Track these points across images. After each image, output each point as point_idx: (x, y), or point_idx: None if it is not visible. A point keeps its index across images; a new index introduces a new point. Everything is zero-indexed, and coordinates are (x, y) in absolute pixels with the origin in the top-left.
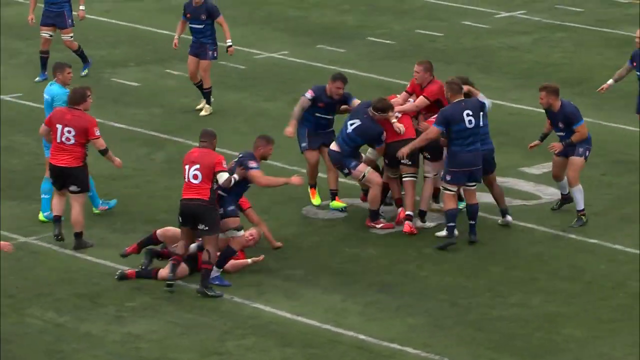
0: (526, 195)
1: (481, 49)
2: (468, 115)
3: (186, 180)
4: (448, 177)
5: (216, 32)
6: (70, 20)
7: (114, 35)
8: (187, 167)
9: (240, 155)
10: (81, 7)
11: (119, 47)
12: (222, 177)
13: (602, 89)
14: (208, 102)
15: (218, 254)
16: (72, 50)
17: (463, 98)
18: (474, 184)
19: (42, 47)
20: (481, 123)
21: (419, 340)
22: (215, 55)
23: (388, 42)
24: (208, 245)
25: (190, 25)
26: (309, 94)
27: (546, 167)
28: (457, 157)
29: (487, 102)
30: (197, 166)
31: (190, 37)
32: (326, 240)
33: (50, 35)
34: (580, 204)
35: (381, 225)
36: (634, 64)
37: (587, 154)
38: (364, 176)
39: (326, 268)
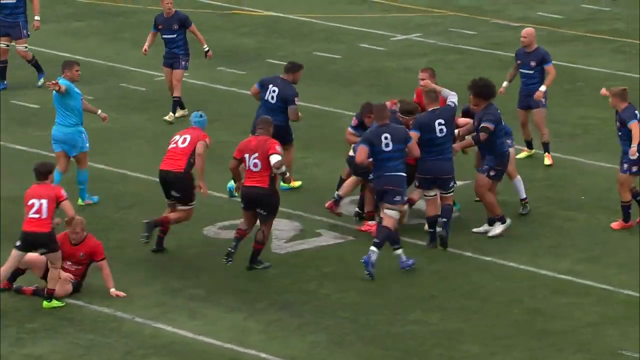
0: (423, 214)
1: (379, 71)
2: (440, 124)
3: (246, 168)
4: (416, 183)
5: (188, 43)
6: (25, 31)
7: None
8: (247, 156)
9: None
10: (36, 18)
11: (24, 69)
12: (273, 159)
13: (500, 92)
14: (173, 111)
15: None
16: (27, 60)
17: (438, 107)
18: (434, 193)
19: (0, 57)
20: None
21: (319, 358)
22: (187, 65)
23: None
24: (264, 227)
25: (163, 36)
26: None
27: None
28: (424, 164)
29: (454, 98)
30: (256, 155)
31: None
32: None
33: (7, 45)
34: (522, 193)
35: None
36: (518, 62)
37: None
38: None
39: (228, 287)
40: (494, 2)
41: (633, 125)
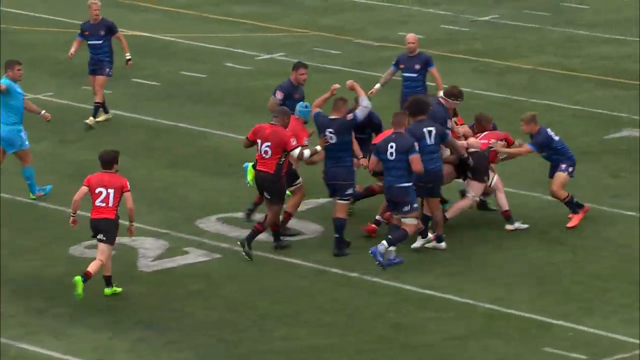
0: (290, 232)
1: (244, 90)
2: (330, 132)
3: (258, 153)
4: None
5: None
6: None
7: None
8: (259, 141)
9: None
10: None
11: None
12: (294, 153)
13: (371, 92)
14: (94, 115)
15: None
16: None
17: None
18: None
19: None
20: (429, 142)
21: None
22: (110, 73)
23: (153, 83)
24: (268, 211)
25: (89, 42)
26: (279, 95)
27: (309, 203)
28: (325, 170)
29: (360, 112)
30: (268, 144)
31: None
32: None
33: None
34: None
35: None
36: (401, 66)
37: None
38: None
39: (94, 306)
40: (356, 22)
41: (526, 147)
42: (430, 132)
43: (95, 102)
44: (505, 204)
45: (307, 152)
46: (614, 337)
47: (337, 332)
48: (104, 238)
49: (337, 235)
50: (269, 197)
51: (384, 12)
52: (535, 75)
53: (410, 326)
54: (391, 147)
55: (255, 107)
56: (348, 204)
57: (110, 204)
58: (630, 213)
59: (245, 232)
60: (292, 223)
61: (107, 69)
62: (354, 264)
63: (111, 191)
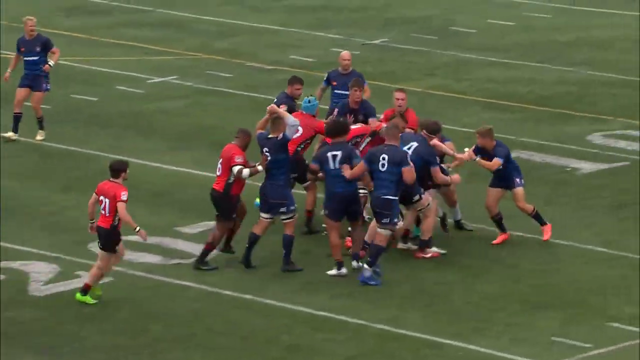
0: (183, 254)
1: (137, 113)
2: (266, 151)
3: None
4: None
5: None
6: None
7: None
8: (219, 160)
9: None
10: None
11: None
12: (234, 170)
13: None
14: (41, 128)
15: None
16: None
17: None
18: (267, 216)
19: None
20: (332, 166)
21: None
22: (48, 87)
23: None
24: (217, 228)
25: (25, 58)
26: (283, 107)
27: (201, 226)
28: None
29: (291, 121)
30: (220, 160)
31: None
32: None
33: None
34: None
35: (430, 254)
36: (333, 83)
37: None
38: (428, 204)
39: None
40: (249, 46)
41: (496, 161)
42: (334, 156)
43: (39, 118)
44: (425, 230)
45: (246, 171)
46: (504, 356)
47: (232, 355)
48: (100, 246)
49: (285, 251)
50: (217, 214)
51: (277, 36)
52: (425, 98)
53: (304, 348)
54: (383, 158)
55: (148, 130)
56: (292, 220)
57: (107, 213)
58: (518, 233)
59: (134, 254)
60: (181, 245)
61: (44, 84)
62: (248, 286)
63: (107, 200)
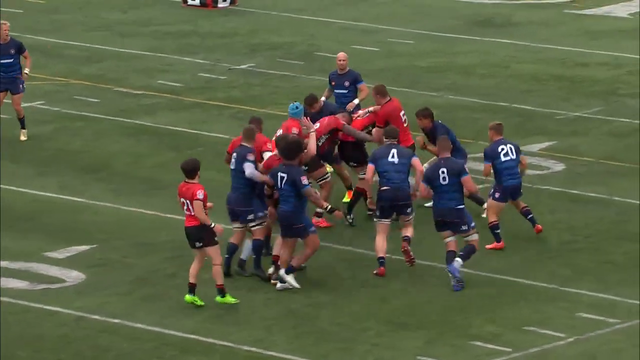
0: (51, 279)
1: (5, 138)
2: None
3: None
4: None
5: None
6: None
7: None
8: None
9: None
10: None
11: None
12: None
13: None
14: (23, 127)
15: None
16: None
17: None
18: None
19: None
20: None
21: None
22: (24, 88)
23: None
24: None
25: (1, 61)
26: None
27: (71, 251)
28: None
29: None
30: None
31: None
32: None
33: None
34: None
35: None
36: (332, 83)
37: None
38: None
39: None
40: (117, 71)
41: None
42: (282, 178)
43: (20, 118)
44: None
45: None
46: None
47: None
48: (200, 244)
49: (254, 256)
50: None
51: (144, 61)
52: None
53: None
54: (442, 172)
55: (17, 156)
56: (261, 227)
57: (192, 213)
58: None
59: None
60: (48, 270)
61: (21, 85)
62: (116, 311)
63: (187, 202)
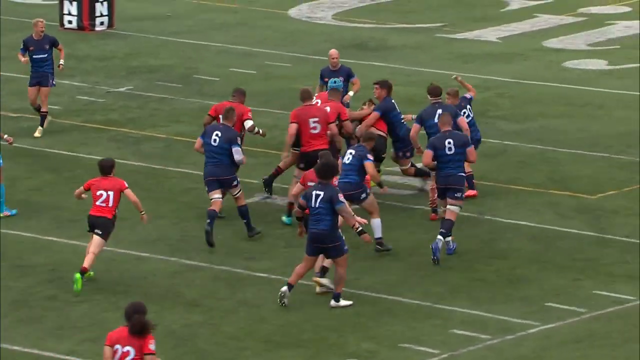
0: None
1: None
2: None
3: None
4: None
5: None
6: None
7: None
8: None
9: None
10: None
11: None
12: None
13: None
14: (42, 125)
15: None
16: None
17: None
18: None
19: None
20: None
21: None
22: (54, 83)
23: None
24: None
25: (34, 56)
26: None
27: None
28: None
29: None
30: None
31: None
32: None
33: None
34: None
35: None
36: (325, 79)
37: None
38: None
39: None
40: None
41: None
42: (318, 196)
43: (42, 112)
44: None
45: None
46: None
47: None
48: (100, 232)
49: (244, 220)
50: (101, 232)
51: (22, 84)
52: (171, 144)
53: None
54: (449, 142)
55: None
56: (241, 192)
57: (110, 204)
58: (261, 275)
59: None
60: None
61: (51, 80)
62: (6, 335)
63: (111, 193)
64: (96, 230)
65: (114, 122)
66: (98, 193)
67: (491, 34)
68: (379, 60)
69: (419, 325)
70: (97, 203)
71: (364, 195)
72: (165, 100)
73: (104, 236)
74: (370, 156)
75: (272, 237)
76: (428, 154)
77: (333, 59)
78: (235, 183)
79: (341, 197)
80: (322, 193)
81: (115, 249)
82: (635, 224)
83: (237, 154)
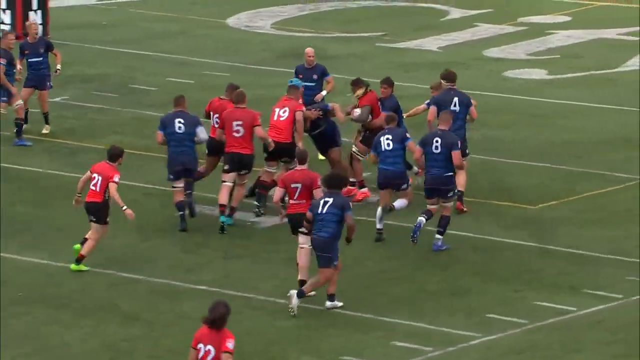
0: None
1: None
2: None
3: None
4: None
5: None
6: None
7: None
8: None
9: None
10: None
11: None
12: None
13: None
14: (47, 122)
15: None
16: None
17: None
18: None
19: None
20: None
21: None
22: (51, 85)
23: None
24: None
25: (30, 60)
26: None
27: None
28: None
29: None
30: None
31: None
32: None
33: None
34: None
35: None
36: (300, 76)
37: None
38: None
39: None
40: None
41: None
42: (326, 202)
43: (45, 113)
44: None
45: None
46: None
47: None
48: (94, 219)
49: (190, 208)
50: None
51: None
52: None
53: None
54: (436, 141)
55: None
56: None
57: (98, 189)
58: (201, 287)
59: None
60: None
61: (49, 83)
62: None
63: (100, 178)
64: (91, 217)
65: (49, 133)
66: (92, 176)
67: (432, 43)
68: None
69: (362, 338)
70: (90, 186)
71: (405, 185)
72: (102, 111)
73: (100, 221)
74: (408, 135)
75: (210, 249)
76: (419, 150)
77: (309, 57)
78: (195, 174)
79: (350, 205)
80: (331, 199)
81: (52, 262)
82: (578, 234)
83: (202, 133)
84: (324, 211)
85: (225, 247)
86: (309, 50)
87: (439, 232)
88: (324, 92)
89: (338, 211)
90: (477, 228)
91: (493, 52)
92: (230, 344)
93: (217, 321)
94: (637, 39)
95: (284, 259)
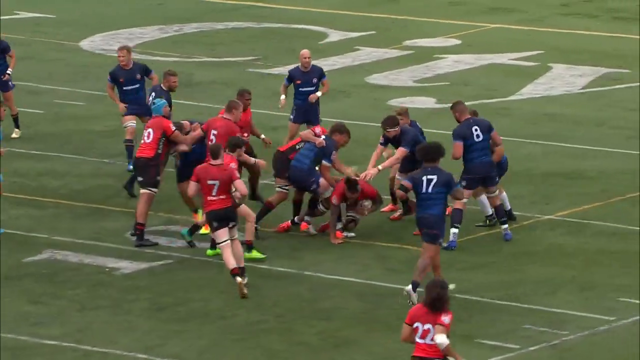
0: None
1: None
2: None
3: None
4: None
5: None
6: None
7: None
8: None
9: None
10: None
11: None
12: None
13: (282, 105)
14: (17, 127)
15: None
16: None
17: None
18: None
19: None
20: None
21: None
22: (13, 85)
23: None
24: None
25: None
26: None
27: None
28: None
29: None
30: (152, 129)
31: None
32: None
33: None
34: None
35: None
36: (297, 81)
37: None
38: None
39: None
40: None
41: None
42: (430, 180)
43: (13, 115)
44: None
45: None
46: None
47: None
48: (141, 179)
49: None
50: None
51: None
52: None
53: None
54: (475, 130)
55: None
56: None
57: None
58: (51, 342)
59: None
60: None
61: (10, 83)
62: None
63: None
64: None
65: None
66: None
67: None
68: (184, 98)
69: None
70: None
71: (497, 179)
72: None
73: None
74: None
75: (64, 299)
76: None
77: (305, 58)
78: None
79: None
80: (435, 177)
81: None
82: (469, 278)
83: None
84: (429, 190)
85: (80, 298)
86: (305, 52)
87: (455, 227)
88: (319, 93)
89: (444, 189)
90: (361, 272)
91: (376, 79)
92: (446, 319)
93: (439, 305)
94: (533, 64)
95: (145, 309)
